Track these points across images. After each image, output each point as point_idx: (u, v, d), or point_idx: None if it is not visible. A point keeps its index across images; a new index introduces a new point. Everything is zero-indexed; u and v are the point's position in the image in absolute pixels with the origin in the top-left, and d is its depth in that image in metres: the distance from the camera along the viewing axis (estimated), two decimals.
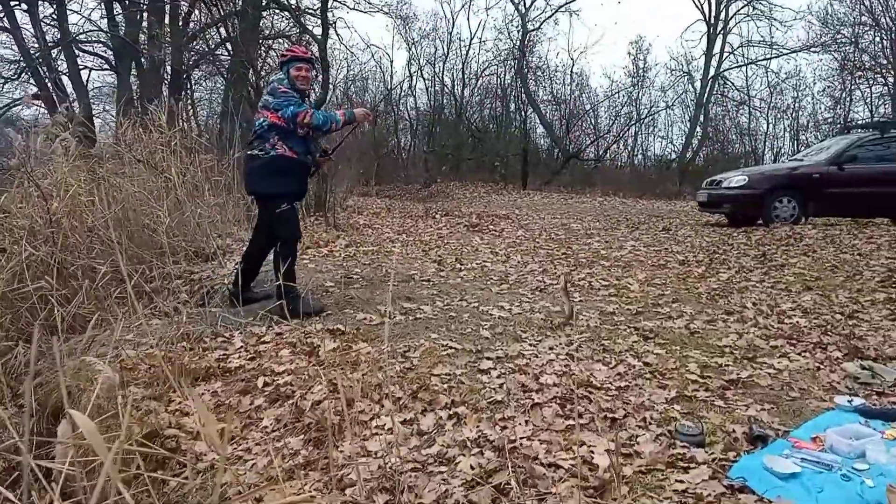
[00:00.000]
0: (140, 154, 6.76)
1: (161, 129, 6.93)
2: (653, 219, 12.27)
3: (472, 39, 31.16)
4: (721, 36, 24.83)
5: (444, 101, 25.59)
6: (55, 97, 17.80)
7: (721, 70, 25.24)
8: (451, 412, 2.99)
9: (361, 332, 4.07)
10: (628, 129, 25.38)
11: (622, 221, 11.34)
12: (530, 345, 3.95)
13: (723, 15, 24.72)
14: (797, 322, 4.54)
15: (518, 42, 24.11)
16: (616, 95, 25.29)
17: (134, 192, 6.13)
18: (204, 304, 4.84)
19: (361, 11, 17.85)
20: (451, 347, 3.84)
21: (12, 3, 16.08)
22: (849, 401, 3.21)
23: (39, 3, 16.36)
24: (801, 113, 25.14)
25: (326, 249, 6.45)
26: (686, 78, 26.28)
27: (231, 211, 7.27)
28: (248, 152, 4.53)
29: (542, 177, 22.32)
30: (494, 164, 21.89)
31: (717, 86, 25.51)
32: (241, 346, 3.90)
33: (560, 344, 3.96)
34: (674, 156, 26.17)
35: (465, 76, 25.30)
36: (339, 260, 6.12)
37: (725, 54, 25.26)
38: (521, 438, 2.74)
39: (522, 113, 23.50)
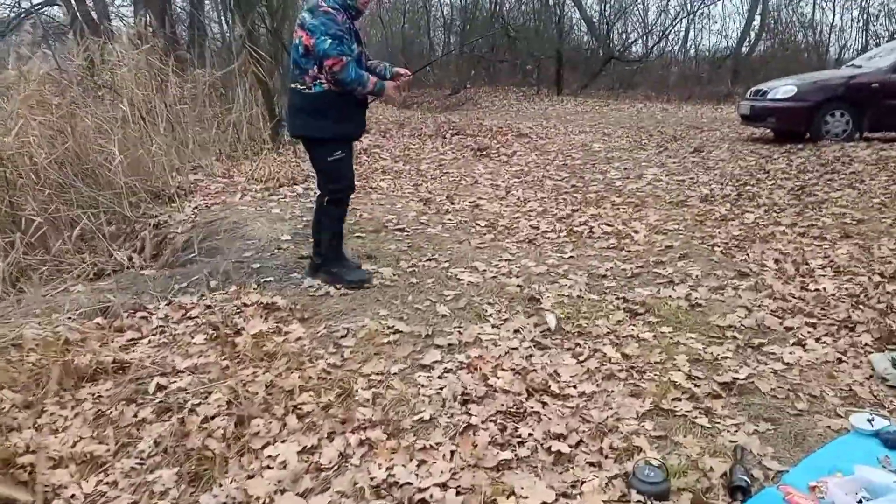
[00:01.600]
0: (106, 77, 6.14)
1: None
2: (691, 132, 11.22)
3: None
4: None
5: None
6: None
7: None
8: (363, 437, 2.45)
9: (299, 308, 3.52)
10: (677, 23, 23.38)
11: (654, 137, 10.36)
12: (493, 326, 3.36)
13: None
14: (824, 289, 3.82)
15: None
16: None
17: (91, 125, 5.56)
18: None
19: None
20: (397, 331, 3.28)
21: None
22: (869, 419, 2.56)
23: None
24: (871, 1, 22.76)
25: (302, 187, 5.84)
26: None
27: (212, 139, 6.66)
28: (290, 85, 3.68)
29: (580, 80, 20.90)
30: (527, 68, 20.54)
31: None
32: (159, 326, 3.41)
33: (528, 325, 3.35)
34: (729, 52, 24.22)
35: None
36: (313, 200, 5.50)
37: None
38: (435, 485, 2.20)
39: (559, 9, 21.72)
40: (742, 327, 3.36)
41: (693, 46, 25.24)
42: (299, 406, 2.65)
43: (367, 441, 2.43)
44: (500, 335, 3.24)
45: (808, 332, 3.30)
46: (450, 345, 3.16)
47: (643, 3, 23.37)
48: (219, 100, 6.95)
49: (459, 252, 4.41)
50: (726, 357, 3.05)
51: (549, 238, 4.83)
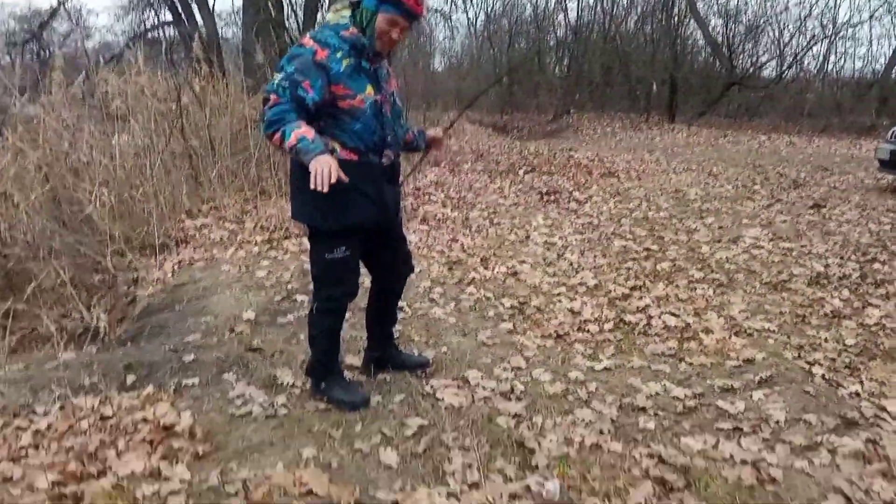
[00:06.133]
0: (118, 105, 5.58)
1: None
2: (816, 175, 9.57)
3: None
4: None
5: (593, 17, 22.69)
6: (185, 22, 17.69)
7: None
8: None
9: (202, 435, 2.63)
10: (815, 44, 21.03)
11: (769, 181, 8.84)
12: (450, 494, 2.32)
13: None
14: None
15: None
16: (803, 4, 20.92)
17: (85, 161, 5.00)
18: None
19: None
20: (309, 492, 2.31)
21: None
22: None
23: None
24: None
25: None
26: None
27: (233, 172, 5.99)
28: None
29: (697, 107, 19.14)
30: (636, 94, 19.05)
31: None
32: (25, 447, 2.62)
33: (502, 496, 2.29)
34: (875, 78, 21.59)
35: None
36: None
37: None
38: None
39: (675, 31, 20.03)
40: None
41: (834, 71, 22.73)
42: None
43: None
44: None
45: None
46: None
47: (777, 23, 21.17)
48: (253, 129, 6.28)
49: (458, 350, 3.38)
50: None
51: (587, 332, 3.71)
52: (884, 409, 2.88)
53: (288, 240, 4.95)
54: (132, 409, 2.85)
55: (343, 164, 2.48)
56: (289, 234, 5.03)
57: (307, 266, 4.49)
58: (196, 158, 5.67)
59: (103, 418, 2.80)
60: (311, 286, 2.86)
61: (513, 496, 2.31)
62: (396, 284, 3.04)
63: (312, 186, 2.29)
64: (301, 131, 2.36)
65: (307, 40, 2.55)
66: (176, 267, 4.42)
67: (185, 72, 6.70)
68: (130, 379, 3.11)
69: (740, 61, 20.97)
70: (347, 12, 2.59)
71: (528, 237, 5.64)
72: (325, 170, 2.28)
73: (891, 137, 8.28)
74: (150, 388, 3.01)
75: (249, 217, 5.38)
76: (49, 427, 2.76)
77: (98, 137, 5.23)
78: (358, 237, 2.71)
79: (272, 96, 2.45)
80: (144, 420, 2.75)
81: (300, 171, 2.59)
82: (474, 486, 2.37)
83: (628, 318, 3.91)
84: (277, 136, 2.40)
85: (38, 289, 4.40)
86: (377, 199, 2.66)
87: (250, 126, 6.17)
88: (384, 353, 3.13)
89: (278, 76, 2.47)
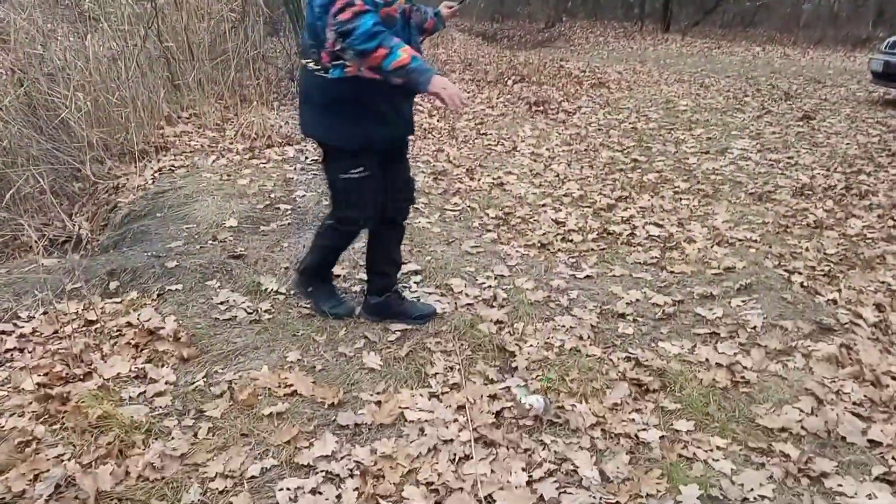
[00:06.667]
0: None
1: None
2: (808, 87, 9.44)
3: None
4: None
5: None
6: None
7: None
8: None
9: (187, 339, 2.65)
10: None
11: (760, 92, 8.70)
12: (432, 395, 2.38)
13: None
14: None
15: None
16: None
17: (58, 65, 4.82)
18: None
19: None
20: (294, 392, 2.36)
21: None
22: None
23: None
24: None
25: (295, 149, 4.91)
26: None
27: (211, 79, 5.82)
28: (302, 61, 2.54)
29: (691, 16, 18.61)
30: (630, 1, 18.44)
31: None
32: (10, 351, 2.64)
33: (482, 397, 2.35)
34: None
35: None
36: (301, 168, 4.58)
37: None
38: None
39: None
40: (801, 434, 2.23)
41: None
42: None
43: None
44: (435, 415, 2.26)
45: None
46: (356, 426, 2.22)
47: None
48: (232, 33, 6.04)
49: (441, 260, 3.39)
50: (764, 498, 1.96)
51: (571, 242, 3.72)
52: (860, 315, 2.95)
53: (270, 148, 4.86)
54: (116, 314, 2.86)
55: (367, 86, 2.30)
56: (271, 143, 4.94)
57: (290, 175, 4.47)
58: (174, 63, 5.48)
59: (88, 323, 2.81)
60: (334, 210, 2.68)
61: (492, 397, 2.37)
62: (397, 215, 2.75)
63: (454, 107, 2.20)
64: (409, 49, 2.17)
65: None
66: (156, 174, 4.34)
67: None
68: (113, 285, 3.10)
69: None
70: None
71: (515, 148, 5.57)
72: (456, 90, 2.18)
73: (885, 48, 8.12)
74: (133, 294, 3.02)
75: (230, 124, 5.26)
76: (34, 331, 2.78)
77: (73, 40, 5.01)
78: (376, 157, 2.52)
79: (357, 2, 2.13)
80: (129, 324, 2.77)
81: (322, 84, 2.37)
82: (455, 387, 2.43)
83: (612, 228, 3.92)
84: (382, 51, 2.13)
85: (18, 196, 4.34)
86: (399, 116, 2.50)
87: (228, 30, 5.94)
88: (385, 300, 2.84)
89: None
